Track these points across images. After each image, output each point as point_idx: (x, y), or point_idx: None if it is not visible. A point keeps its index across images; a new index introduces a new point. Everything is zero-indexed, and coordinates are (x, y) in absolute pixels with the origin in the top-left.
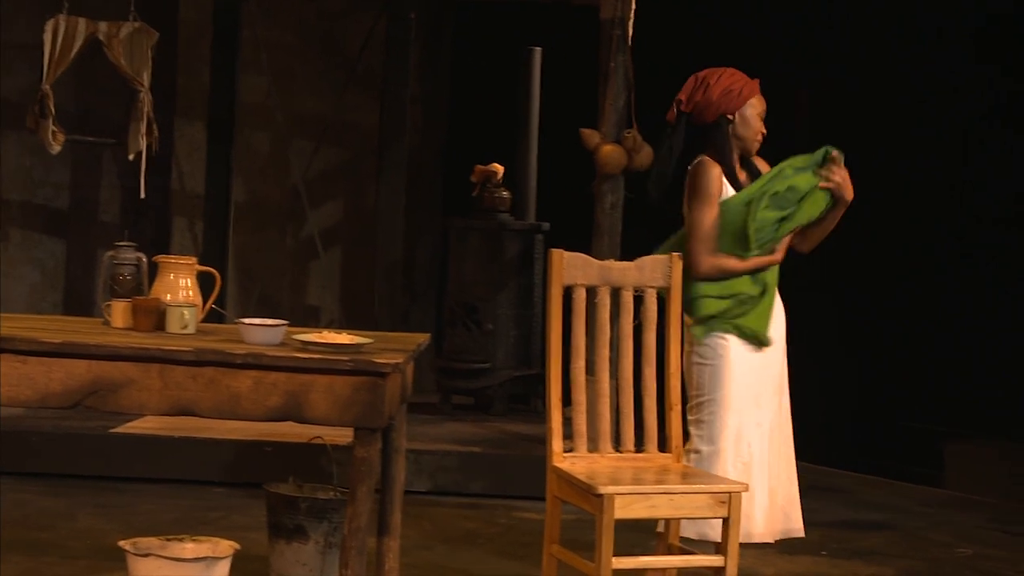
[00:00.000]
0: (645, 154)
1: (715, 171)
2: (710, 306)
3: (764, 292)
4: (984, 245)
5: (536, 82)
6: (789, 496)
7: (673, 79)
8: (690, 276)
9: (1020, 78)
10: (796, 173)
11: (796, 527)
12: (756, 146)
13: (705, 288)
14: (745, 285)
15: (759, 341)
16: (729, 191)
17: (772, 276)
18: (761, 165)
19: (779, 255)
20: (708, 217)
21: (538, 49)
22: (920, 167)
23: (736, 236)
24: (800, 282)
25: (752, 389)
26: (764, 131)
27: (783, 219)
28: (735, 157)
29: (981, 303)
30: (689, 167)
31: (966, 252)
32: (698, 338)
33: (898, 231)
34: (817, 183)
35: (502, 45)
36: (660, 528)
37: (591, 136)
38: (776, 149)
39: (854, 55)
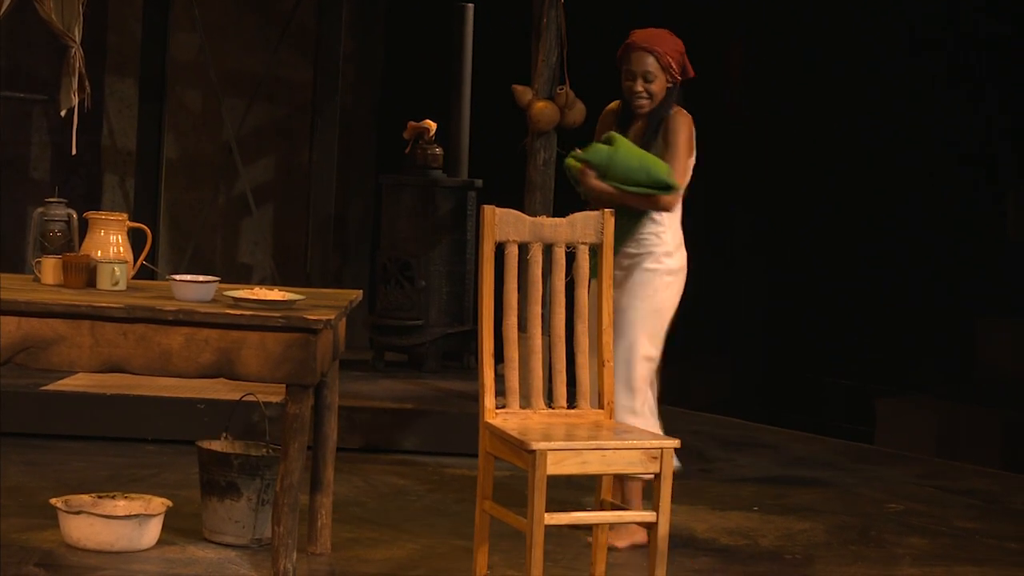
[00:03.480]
0: (578, 110)
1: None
2: None
3: None
4: (915, 206)
5: (469, 39)
6: None
7: (606, 34)
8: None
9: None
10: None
11: None
12: (634, 104)
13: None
14: None
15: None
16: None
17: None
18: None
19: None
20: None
21: (471, 5)
22: (866, 131)
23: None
24: (733, 240)
25: None
26: (636, 90)
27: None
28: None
29: (912, 260)
30: None
31: (898, 212)
32: None
33: (828, 193)
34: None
35: (435, 2)
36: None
37: (524, 92)
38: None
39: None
